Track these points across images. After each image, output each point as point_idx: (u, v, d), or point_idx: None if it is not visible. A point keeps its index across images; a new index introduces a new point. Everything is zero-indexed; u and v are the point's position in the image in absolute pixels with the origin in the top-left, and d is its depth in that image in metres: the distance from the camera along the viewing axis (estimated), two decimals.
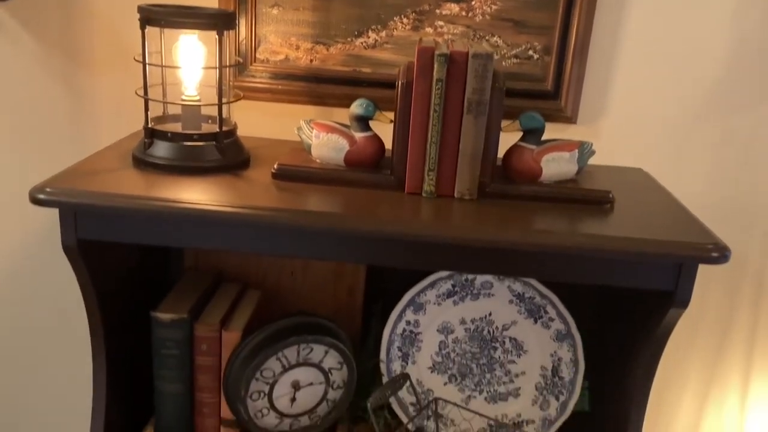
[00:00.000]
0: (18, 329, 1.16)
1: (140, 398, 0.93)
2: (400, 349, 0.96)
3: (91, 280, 0.80)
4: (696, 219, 0.79)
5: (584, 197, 0.81)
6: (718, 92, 1.01)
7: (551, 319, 0.94)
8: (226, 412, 0.91)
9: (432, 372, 0.97)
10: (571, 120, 1.00)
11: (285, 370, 0.87)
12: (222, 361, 0.89)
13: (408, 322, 0.95)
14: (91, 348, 0.86)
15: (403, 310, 0.95)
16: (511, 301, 0.94)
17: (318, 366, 0.88)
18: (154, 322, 0.87)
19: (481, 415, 0.91)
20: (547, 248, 0.73)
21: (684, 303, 0.75)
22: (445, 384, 0.97)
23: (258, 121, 0.99)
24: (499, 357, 0.96)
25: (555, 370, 0.95)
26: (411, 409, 0.96)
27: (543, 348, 0.95)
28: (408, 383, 0.91)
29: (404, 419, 0.95)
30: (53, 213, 0.75)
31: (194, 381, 0.90)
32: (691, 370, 1.13)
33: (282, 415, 0.89)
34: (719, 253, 0.71)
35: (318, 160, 0.85)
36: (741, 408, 1.14)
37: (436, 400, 0.93)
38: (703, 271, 1.08)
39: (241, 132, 0.88)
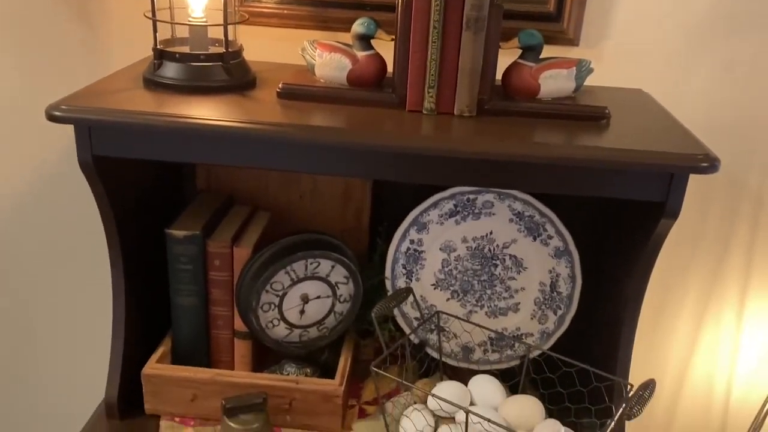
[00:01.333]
0: (37, 249, 1.21)
1: (158, 312, 0.98)
2: (404, 267, 1.00)
3: (107, 197, 0.84)
4: (690, 133, 0.81)
5: (581, 113, 0.83)
6: (721, 17, 1.01)
7: (550, 237, 0.97)
8: (239, 324, 0.96)
9: (435, 289, 1.01)
10: (573, 42, 1.01)
11: (294, 283, 0.91)
12: (234, 276, 0.94)
13: (412, 241, 0.99)
14: (110, 264, 0.90)
15: (407, 230, 0.98)
16: (511, 220, 0.97)
17: (325, 280, 0.93)
18: (168, 238, 0.92)
19: (481, 327, 0.95)
20: (542, 160, 0.75)
21: (674, 214, 0.78)
22: (448, 300, 1.02)
23: (264, 47, 1.01)
24: (500, 274, 1.00)
25: (553, 286, 0.99)
26: (415, 323, 1.01)
27: (542, 264, 0.99)
28: (411, 296, 0.95)
29: (408, 331, 0.99)
30: (69, 137, 0.79)
31: (208, 295, 0.95)
32: (690, 288, 1.17)
33: (292, 326, 0.94)
34: (709, 163, 0.73)
35: (322, 80, 0.88)
36: (737, 324, 1.17)
37: (438, 313, 0.98)
38: (704, 192, 1.11)
39: (248, 57, 0.91)
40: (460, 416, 0.83)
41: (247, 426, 0.83)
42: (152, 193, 0.99)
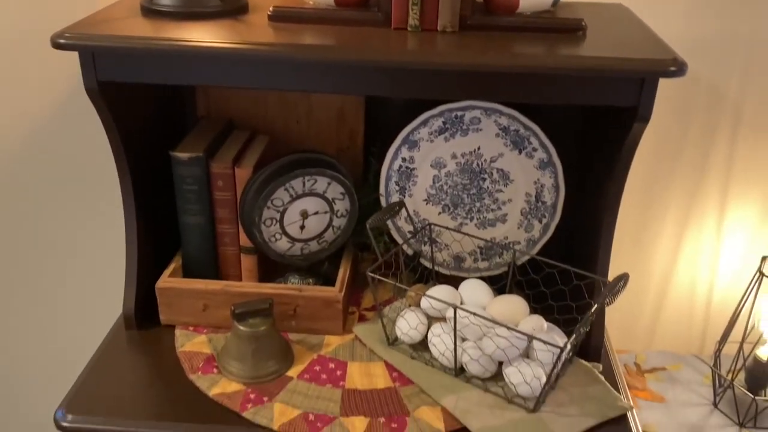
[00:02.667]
0: (50, 175, 1.27)
1: (169, 232, 1.05)
2: (397, 184, 1.06)
3: (114, 122, 0.90)
4: (662, 42, 0.85)
5: (558, 25, 0.87)
6: None
7: (534, 149, 1.03)
8: (244, 240, 1.02)
9: (427, 203, 1.07)
10: None
11: (293, 199, 0.97)
12: (237, 195, 1.00)
13: (403, 159, 1.05)
14: (120, 187, 0.97)
15: (399, 148, 1.04)
16: (497, 135, 1.03)
17: (322, 196, 0.99)
18: (173, 160, 0.97)
19: (471, 236, 1.01)
20: (521, 69, 0.80)
21: (646, 118, 0.82)
22: (439, 214, 1.08)
23: None
24: (488, 187, 1.06)
25: (538, 196, 1.05)
26: (409, 236, 1.07)
27: (527, 176, 1.04)
28: (403, 209, 1.01)
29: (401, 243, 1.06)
30: (74, 67, 0.84)
31: (214, 214, 1.01)
32: (672, 200, 1.22)
33: (293, 239, 1.00)
34: (677, 67, 0.77)
35: (311, 2, 0.92)
36: (717, 232, 1.24)
37: (429, 225, 1.04)
38: (685, 106, 1.15)
39: None
40: (451, 314, 0.90)
41: (256, 329, 0.91)
42: (156, 120, 1.04)
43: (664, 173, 1.20)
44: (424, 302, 0.94)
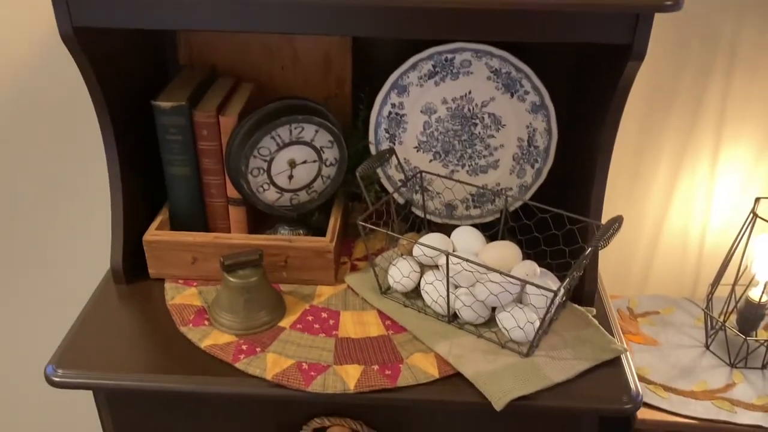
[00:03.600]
0: (29, 127, 1.24)
1: (155, 184, 1.03)
2: (387, 131, 1.04)
3: (93, 70, 0.86)
4: None
5: None
6: None
7: (526, 92, 1.00)
8: (232, 191, 1.00)
9: (418, 151, 1.05)
10: None
11: (280, 148, 0.95)
12: (222, 145, 0.97)
13: (393, 105, 1.02)
14: (102, 139, 0.94)
15: (388, 94, 1.01)
16: (488, 78, 1.00)
17: (310, 144, 0.96)
18: (156, 110, 0.95)
19: (462, 183, 1.00)
20: (512, 5, 0.77)
21: (641, 55, 0.80)
22: (430, 161, 1.06)
23: None
24: (479, 132, 1.04)
25: (530, 140, 1.03)
26: (400, 185, 1.06)
27: (519, 120, 1.02)
28: (393, 156, 0.99)
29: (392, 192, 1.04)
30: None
31: (200, 165, 0.99)
32: (666, 143, 1.21)
33: (282, 190, 0.98)
34: (672, 1, 0.75)
35: None
36: (711, 175, 1.22)
37: (420, 172, 1.02)
38: (679, 47, 1.13)
39: None
40: (443, 261, 0.89)
41: (246, 280, 0.89)
42: (137, 69, 1.01)
43: (658, 116, 1.19)
44: (416, 250, 0.93)
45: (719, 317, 1.14)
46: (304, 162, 0.98)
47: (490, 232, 1.00)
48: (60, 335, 0.92)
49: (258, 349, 0.87)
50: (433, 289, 0.90)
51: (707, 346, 1.17)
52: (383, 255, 1.02)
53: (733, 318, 1.14)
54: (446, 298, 0.89)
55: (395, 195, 1.03)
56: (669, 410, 1.05)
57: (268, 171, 0.96)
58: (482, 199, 1.07)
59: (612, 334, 0.91)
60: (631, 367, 0.86)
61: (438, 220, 1.07)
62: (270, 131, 0.93)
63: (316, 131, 0.96)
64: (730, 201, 1.24)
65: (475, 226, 1.01)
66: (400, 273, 0.93)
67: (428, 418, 0.90)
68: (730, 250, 1.14)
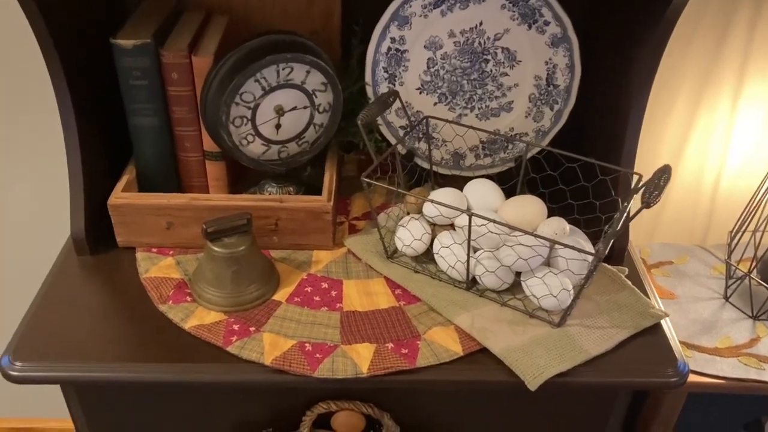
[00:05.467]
0: None
1: (118, 139, 0.88)
2: (385, 70, 0.90)
3: (36, 3, 0.71)
4: None
5: None
6: None
7: (546, 23, 0.88)
8: (209, 144, 0.87)
9: (420, 93, 0.92)
10: None
11: (266, 92, 0.81)
12: (196, 90, 0.83)
13: (393, 39, 0.88)
14: (53, 86, 0.79)
15: (387, 26, 0.87)
16: (503, 6, 0.87)
17: (300, 88, 0.83)
18: (116, 50, 0.79)
19: (474, 128, 0.87)
20: None
21: None
22: (435, 104, 0.93)
23: None
24: (491, 70, 0.91)
25: (550, 79, 0.91)
26: (401, 132, 0.93)
27: (537, 56, 0.90)
28: (397, 100, 0.86)
29: (393, 141, 0.91)
30: None
31: (170, 114, 0.85)
32: (685, 75, 1.10)
33: (269, 141, 0.85)
34: None
35: None
36: (732, 110, 1.12)
37: (426, 118, 0.89)
38: None
39: None
40: (461, 221, 0.78)
41: (233, 249, 0.77)
42: (90, 5, 0.84)
43: (677, 44, 1.06)
44: (430, 209, 0.81)
45: (739, 266, 1.06)
46: (294, 108, 0.84)
47: (506, 185, 0.88)
48: (13, 318, 0.78)
49: (252, 329, 0.76)
50: (449, 253, 0.79)
51: (726, 298, 1.10)
52: (387, 213, 0.90)
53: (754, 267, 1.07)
54: (466, 263, 0.78)
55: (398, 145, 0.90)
56: (694, 370, 0.98)
57: (253, 120, 0.82)
58: (494, 146, 0.95)
59: (647, 296, 0.81)
60: (672, 334, 0.77)
61: (445, 172, 0.95)
62: (254, 73, 0.78)
63: (308, 72, 0.82)
64: (750, 140, 1.15)
65: (490, 176, 0.89)
66: (410, 235, 0.81)
67: (445, 394, 0.80)
68: (754, 195, 1.06)
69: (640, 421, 1.08)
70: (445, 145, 0.94)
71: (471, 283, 0.80)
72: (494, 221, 0.73)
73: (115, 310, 0.79)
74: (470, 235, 0.75)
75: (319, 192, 0.87)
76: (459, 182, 0.90)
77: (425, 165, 0.93)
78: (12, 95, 1.08)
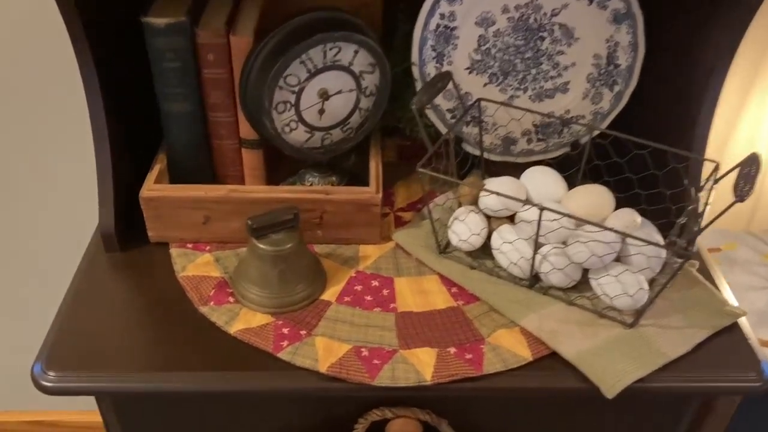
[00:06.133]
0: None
1: (150, 126, 0.82)
2: (433, 49, 0.83)
3: None
4: None
5: None
6: None
7: None
8: (246, 131, 0.80)
9: (470, 73, 0.86)
10: None
11: (311, 75, 0.74)
12: (234, 72, 0.76)
13: (442, 16, 0.82)
14: (79, 69, 0.72)
15: (437, 2, 0.80)
16: None
17: (347, 69, 0.76)
18: (147, 29, 0.72)
19: (532, 111, 0.81)
20: None
21: None
22: (485, 85, 0.87)
23: None
24: (547, 48, 0.85)
25: (610, 58, 0.84)
26: (448, 116, 0.87)
27: (597, 33, 0.83)
28: (449, 82, 0.80)
29: (441, 127, 0.85)
30: None
31: (205, 99, 0.78)
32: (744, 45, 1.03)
33: (312, 128, 0.78)
34: None
35: None
36: None
37: (478, 101, 0.83)
38: None
39: None
40: (528, 215, 0.72)
41: (280, 247, 0.71)
42: None
43: None
44: (490, 200, 0.75)
45: None
46: (339, 92, 0.77)
47: (567, 173, 0.82)
48: (39, 318, 0.72)
49: (303, 332, 0.70)
50: (512, 249, 0.73)
51: None
52: (435, 203, 0.85)
53: None
54: (531, 260, 0.72)
55: (443, 129, 0.84)
56: None
57: (296, 105, 0.76)
58: (547, 130, 0.89)
59: (720, 292, 0.76)
60: (751, 335, 0.72)
61: (496, 158, 0.89)
62: (299, 54, 0.72)
63: (356, 52, 0.75)
64: None
65: (545, 161, 0.83)
66: (468, 229, 0.75)
67: (508, 400, 0.75)
68: None
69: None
70: (495, 129, 0.88)
71: (533, 280, 0.75)
72: (570, 216, 0.67)
73: (152, 313, 0.73)
74: (539, 230, 0.69)
75: (361, 181, 0.81)
76: (508, 169, 0.84)
77: (473, 151, 0.87)
78: (32, 80, 1.01)
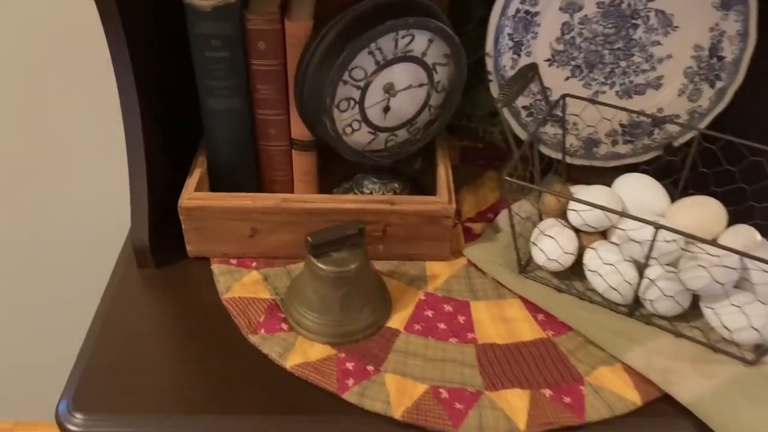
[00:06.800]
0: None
1: (188, 125, 0.72)
2: (511, 38, 0.73)
3: None
4: None
5: None
6: None
7: None
8: (298, 131, 0.70)
9: (550, 65, 0.75)
10: None
11: (379, 68, 0.64)
12: (288, 63, 0.66)
13: (522, 1, 0.71)
14: (111, 59, 0.62)
15: None
16: None
17: (420, 61, 0.66)
18: (190, 13, 0.62)
19: (626, 110, 0.71)
20: None
21: None
22: (567, 79, 0.76)
23: None
24: (640, 38, 0.74)
25: (714, 49, 0.74)
26: (523, 114, 0.76)
27: (700, 21, 0.73)
28: (536, 76, 0.69)
29: (516, 127, 0.75)
30: None
31: (253, 94, 0.68)
32: None
33: (376, 129, 0.68)
34: None
35: None
36: None
37: (564, 96, 0.72)
38: None
39: None
40: (637, 233, 0.62)
41: (344, 267, 0.61)
42: None
43: None
44: (584, 215, 0.65)
45: None
46: (408, 87, 0.67)
47: (666, 181, 0.71)
48: (69, 349, 0.63)
49: (370, 368, 0.60)
50: (612, 271, 0.63)
51: None
52: (516, 215, 0.74)
53: None
54: (636, 285, 0.62)
55: (518, 129, 0.74)
56: None
57: (361, 102, 0.65)
58: (635, 130, 0.78)
59: None
60: None
61: (579, 162, 0.78)
62: (368, 43, 0.61)
63: (430, 41, 0.65)
64: None
65: (640, 167, 0.73)
66: (558, 247, 0.65)
67: None
68: None
69: None
70: (577, 129, 0.77)
71: (633, 306, 0.65)
72: (691, 236, 0.57)
73: (193, 341, 0.63)
74: (650, 252, 0.59)
75: (425, 188, 0.71)
76: (585, 174, 0.74)
77: (551, 154, 0.77)
78: (60, 74, 0.91)
